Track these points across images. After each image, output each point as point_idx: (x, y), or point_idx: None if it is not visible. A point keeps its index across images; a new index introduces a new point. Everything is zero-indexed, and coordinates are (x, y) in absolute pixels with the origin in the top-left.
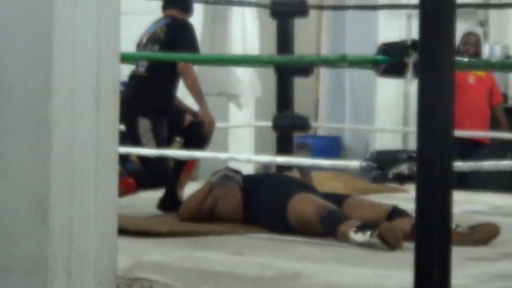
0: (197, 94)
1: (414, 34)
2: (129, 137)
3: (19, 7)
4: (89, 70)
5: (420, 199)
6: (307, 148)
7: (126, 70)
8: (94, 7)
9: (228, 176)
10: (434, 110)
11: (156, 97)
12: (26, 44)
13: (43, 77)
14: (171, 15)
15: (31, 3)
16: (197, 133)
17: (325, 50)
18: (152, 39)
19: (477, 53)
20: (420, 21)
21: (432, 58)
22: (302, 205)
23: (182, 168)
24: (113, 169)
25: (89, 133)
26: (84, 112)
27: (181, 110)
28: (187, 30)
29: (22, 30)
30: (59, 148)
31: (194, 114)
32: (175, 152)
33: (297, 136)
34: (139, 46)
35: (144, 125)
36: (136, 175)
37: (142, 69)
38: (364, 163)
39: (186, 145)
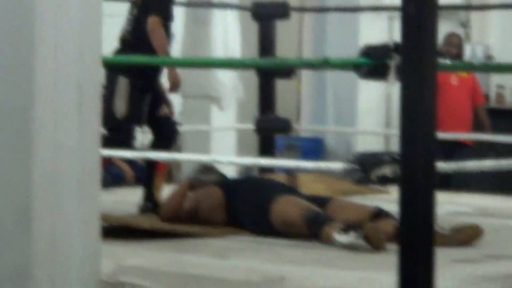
0: (163, 54)
1: (396, 36)
2: (105, 95)
3: (0, 10)
4: (71, 75)
5: (404, 201)
6: (296, 149)
7: None
8: (76, 12)
9: (205, 168)
10: (416, 112)
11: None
12: (8, 49)
13: (25, 83)
14: None
15: (13, 7)
16: (168, 129)
17: (307, 52)
18: (133, 3)
19: (459, 54)
20: (402, 23)
21: (415, 60)
22: (286, 207)
23: (154, 170)
24: (96, 175)
25: (71, 139)
26: (67, 117)
27: (162, 96)
28: None
29: (3, 35)
30: (42, 154)
31: (170, 109)
32: (156, 155)
33: (279, 137)
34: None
35: (123, 83)
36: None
37: (126, 33)
38: (347, 165)
39: (155, 139)
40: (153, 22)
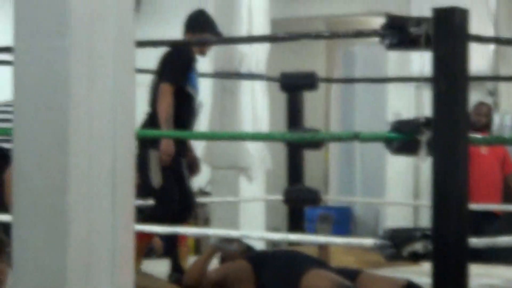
0: (164, 120)
1: (424, 105)
2: (139, 169)
3: (35, 94)
4: (105, 156)
5: (436, 277)
6: (330, 220)
7: None
8: (110, 90)
9: (227, 238)
10: (449, 188)
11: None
12: (42, 131)
13: (59, 166)
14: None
15: (47, 91)
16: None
17: (335, 121)
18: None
19: (488, 124)
20: (433, 98)
21: (447, 135)
22: (316, 281)
23: (176, 240)
24: (129, 259)
25: (105, 220)
26: (100, 201)
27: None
28: (169, 59)
29: (38, 117)
30: (76, 238)
31: (197, 170)
32: (185, 229)
33: (310, 207)
34: None
35: (154, 156)
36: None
37: (149, 102)
38: (378, 241)
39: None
40: (161, 89)
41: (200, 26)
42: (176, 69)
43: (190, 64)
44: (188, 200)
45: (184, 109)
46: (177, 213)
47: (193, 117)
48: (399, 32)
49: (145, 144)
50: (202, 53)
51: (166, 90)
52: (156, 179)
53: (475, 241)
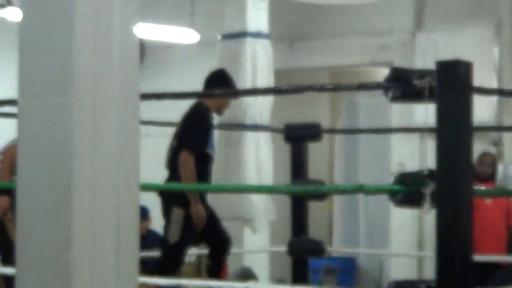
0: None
1: (428, 154)
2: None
3: (39, 150)
4: (109, 211)
5: None
6: (335, 273)
7: None
8: (114, 152)
9: (244, 272)
10: (453, 241)
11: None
12: (46, 188)
13: (63, 222)
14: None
15: (51, 146)
16: (225, 239)
17: (339, 171)
18: (174, 134)
19: (492, 174)
20: (437, 150)
21: (450, 187)
22: None
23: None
24: None
25: (109, 278)
26: (105, 257)
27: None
28: (190, 125)
29: (42, 174)
30: None
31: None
32: (190, 282)
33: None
34: None
35: (177, 214)
36: None
37: (168, 163)
38: None
39: (211, 253)
40: (182, 156)
41: (217, 85)
42: (197, 137)
43: (210, 129)
44: (218, 245)
45: (203, 169)
46: (213, 260)
47: (211, 174)
48: (403, 85)
49: (170, 201)
50: (219, 112)
51: (187, 156)
52: (173, 235)
53: None
